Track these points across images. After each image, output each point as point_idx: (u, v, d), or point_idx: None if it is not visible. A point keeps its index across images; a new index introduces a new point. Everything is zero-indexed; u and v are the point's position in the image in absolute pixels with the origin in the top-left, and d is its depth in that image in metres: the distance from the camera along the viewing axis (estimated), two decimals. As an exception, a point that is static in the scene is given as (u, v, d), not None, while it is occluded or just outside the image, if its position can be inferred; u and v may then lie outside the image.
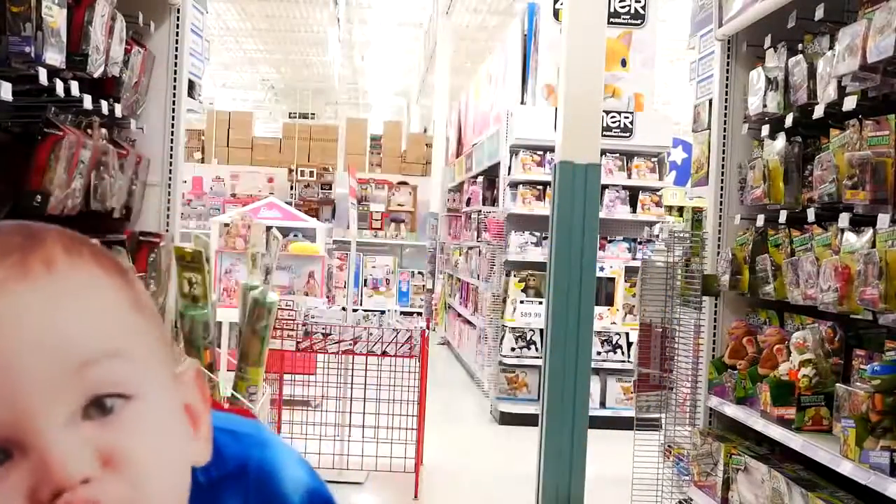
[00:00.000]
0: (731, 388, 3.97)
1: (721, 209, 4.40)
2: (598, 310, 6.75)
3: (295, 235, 8.16)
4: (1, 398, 0.59)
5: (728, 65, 4.39)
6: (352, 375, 5.72)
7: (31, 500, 0.59)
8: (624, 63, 7.85)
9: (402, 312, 6.57)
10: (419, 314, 11.62)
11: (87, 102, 3.11)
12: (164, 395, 0.67)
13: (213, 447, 0.72)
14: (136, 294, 0.68)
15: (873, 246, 2.96)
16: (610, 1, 7.15)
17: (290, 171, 14.77)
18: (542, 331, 6.34)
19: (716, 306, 4.40)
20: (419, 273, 13.63)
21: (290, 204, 10.75)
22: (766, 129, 3.94)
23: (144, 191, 3.84)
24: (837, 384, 3.22)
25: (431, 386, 5.82)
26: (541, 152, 7.85)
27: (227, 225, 7.58)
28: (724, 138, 4.39)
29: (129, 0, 3.52)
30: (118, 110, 3.41)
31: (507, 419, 7.66)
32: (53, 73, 2.76)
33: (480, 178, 10.05)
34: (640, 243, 7.67)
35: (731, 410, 3.95)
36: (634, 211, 7.96)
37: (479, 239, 9.50)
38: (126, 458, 0.62)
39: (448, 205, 13.24)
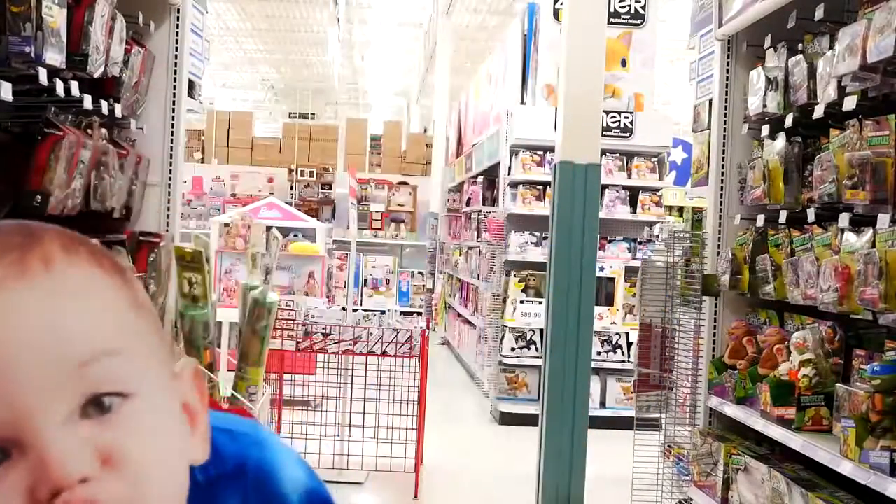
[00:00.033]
0: (731, 388, 3.97)
1: (721, 209, 4.40)
2: (598, 310, 6.75)
3: (295, 235, 8.16)
4: (-1, 397, 0.59)
5: (728, 65, 4.39)
6: (352, 375, 5.71)
7: (29, 500, 0.59)
8: (624, 63, 7.85)
9: (402, 312, 6.57)
10: (419, 314, 11.61)
11: (87, 102, 3.11)
12: (163, 394, 0.67)
13: (212, 446, 0.72)
14: (134, 293, 0.68)
15: (873, 246, 2.96)
16: (610, 1, 7.14)
17: (290, 171, 14.76)
18: (542, 331, 6.33)
19: (716, 306, 4.40)
20: (419, 273, 13.62)
21: (290, 204, 10.74)
22: (766, 129, 3.94)
23: (144, 191, 3.84)
24: (837, 384, 3.22)
25: (431, 386, 5.82)
26: (541, 152, 7.85)
27: (227, 225, 7.58)
28: (724, 138, 4.39)
29: (129, 0, 3.52)
30: (118, 110, 3.41)
31: (507, 419, 7.65)
32: (53, 73, 2.76)
33: (480, 178, 10.04)
34: (640, 243, 7.67)
35: (731, 410, 3.95)
36: (634, 211, 7.96)
37: (479, 239, 9.50)
38: (124, 457, 0.62)
39: (448, 205, 13.24)
